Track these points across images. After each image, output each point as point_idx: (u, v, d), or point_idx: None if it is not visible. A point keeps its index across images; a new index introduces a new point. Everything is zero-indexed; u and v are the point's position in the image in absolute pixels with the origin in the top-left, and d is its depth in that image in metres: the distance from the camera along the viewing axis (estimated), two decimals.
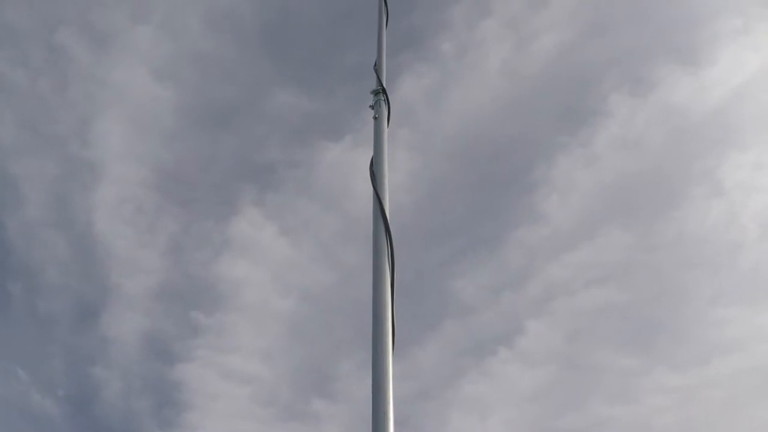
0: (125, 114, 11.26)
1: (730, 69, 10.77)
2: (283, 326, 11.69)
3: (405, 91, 9.58)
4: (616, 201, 11.50)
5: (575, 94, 11.30)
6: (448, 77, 10.99)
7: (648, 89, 11.04)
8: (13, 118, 11.13)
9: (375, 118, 2.98)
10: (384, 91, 3.08)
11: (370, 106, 3.05)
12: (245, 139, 11.95)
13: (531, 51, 11.30)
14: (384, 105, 3.03)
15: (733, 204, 11.05)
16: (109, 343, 11.34)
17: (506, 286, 11.48)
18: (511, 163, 11.71)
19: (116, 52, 11.02)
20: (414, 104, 10.28)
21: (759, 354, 10.03)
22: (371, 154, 2.82)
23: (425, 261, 10.70)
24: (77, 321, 11.64)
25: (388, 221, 2.50)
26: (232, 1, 11.20)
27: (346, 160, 10.23)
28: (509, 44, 11.34)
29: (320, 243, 11.52)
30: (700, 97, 10.97)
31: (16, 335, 11.37)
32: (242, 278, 11.74)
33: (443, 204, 11.55)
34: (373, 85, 3.14)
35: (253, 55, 11.65)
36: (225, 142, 11.93)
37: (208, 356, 11.28)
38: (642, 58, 11.06)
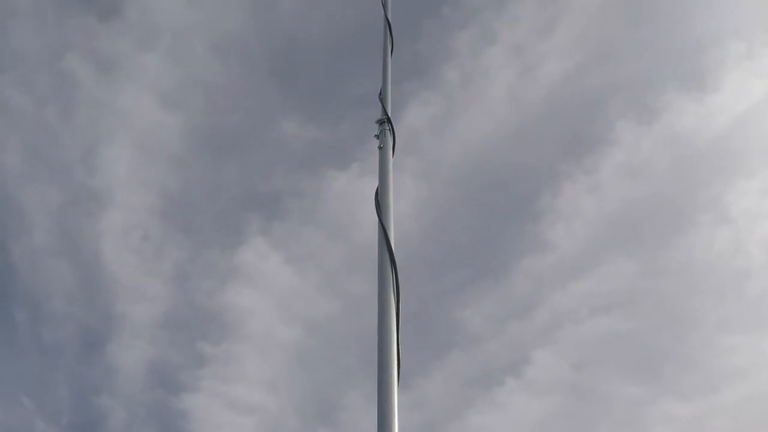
0: (131, 140, 11.31)
1: (735, 95, 10.79)
2: (289, 356, 11.62)
3: (410, 119, 9.62)
4: (621, 228, 11.46)
5: (580, 121, 11.31)
6: (454, 105, 11.04)
7: (653, 116, 11.05)
8: (19, 144, 11.19)
9: (380, 148, 2.97)
10: (389, 121, 3.07)
11: (375, 135, 3.04)
12: (251, 167, 11.97)
13: (536, 78, 11.34)
14: (389, 134, 3.02)
15: (739, 231, 11.01)
16: (114, 372, 11.27)
17: (512, 316, 11.40)
18: (517, 191, 11.69)
19: (122, 79, 11.10)
20: (419, 132, 10.31)
21: (767, 381, 9.94)
22: (377, 183, 2.83)
23: (431, 290, 10.65)
24: (82, 349, 11.58)
25: (393, 252, 2.49)
26: (239, 29, 11.30)
27: (352, 190, 10.25)
28: (514, 71, 11.39)
29: (326, 272, 11.48)
30: (705, 124, 10.98)
31: (21, 363, 11.32)
32: (248, 308, 11.69)
33: (449, 232, 11.53)
34: (378, 114, 3.15)
35: (260, 82, 11.72)
36: (231, 169, 11.96)
37: (213, 386, 11.20)
38: (647, 85, 11.09)
